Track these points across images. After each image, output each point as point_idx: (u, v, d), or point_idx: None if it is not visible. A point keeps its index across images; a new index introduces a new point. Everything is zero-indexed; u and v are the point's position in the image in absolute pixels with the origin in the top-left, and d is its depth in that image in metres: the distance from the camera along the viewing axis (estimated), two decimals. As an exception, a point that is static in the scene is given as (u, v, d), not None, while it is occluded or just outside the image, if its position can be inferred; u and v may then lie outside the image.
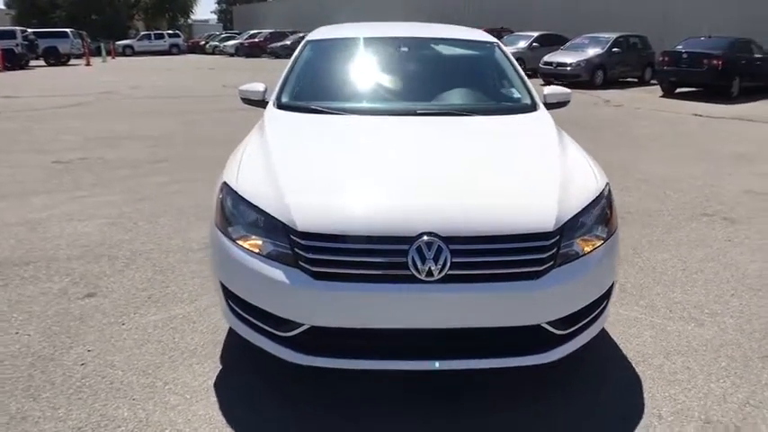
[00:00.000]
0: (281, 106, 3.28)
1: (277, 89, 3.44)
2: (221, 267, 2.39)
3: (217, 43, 40.12)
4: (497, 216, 2.18)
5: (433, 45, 3.96)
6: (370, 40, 3.84)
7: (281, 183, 2.31)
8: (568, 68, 16.10)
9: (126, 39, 42.81)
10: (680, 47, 14.31)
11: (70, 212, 4.72)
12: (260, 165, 2.54)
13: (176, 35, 42.75)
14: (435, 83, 3.63)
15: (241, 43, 35.12)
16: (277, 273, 2.14)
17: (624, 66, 17.08)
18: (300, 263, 2.11)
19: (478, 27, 5.40)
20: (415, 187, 2.33)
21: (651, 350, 2.79)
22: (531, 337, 2.23)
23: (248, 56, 33.27)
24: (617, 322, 3.02)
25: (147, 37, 41.54)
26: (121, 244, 4.05)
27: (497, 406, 2.37)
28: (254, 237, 2.26)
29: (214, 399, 2.38)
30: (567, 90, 3.59)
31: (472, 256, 2.09)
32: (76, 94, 13.77)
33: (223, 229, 2.36)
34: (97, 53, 31.64)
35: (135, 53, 39.18)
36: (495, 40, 4.02)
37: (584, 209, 2.31)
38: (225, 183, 2.47)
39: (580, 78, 15.85)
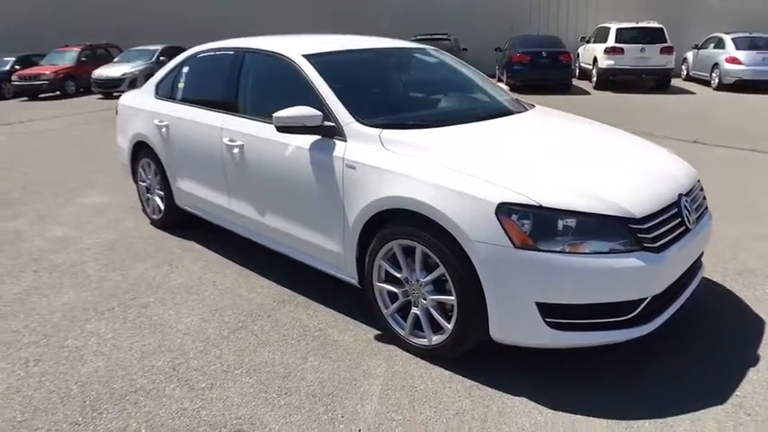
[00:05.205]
0: (373, 126, 2.88)
1: (341, 110, 2.97)
2: (545, 287, 2.29)
3: None
4: (685, 172, 2.89)
5: (414, 54, 4.00)
6: (373, 52, 3.70)
7: (581, 185, 2.42)
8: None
9: None
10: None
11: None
12: (516, 177, 2.45)
13: None
14: (456, 87, 3.84)
15: None
16: (629, 261, 2.30)
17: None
18: (644, 244, 2.35)
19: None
20: (628, 164, 2.77)
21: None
22: (702, 255, 2.96)
23: None
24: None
25: None
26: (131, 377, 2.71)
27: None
28: (575, 241, 2.29)
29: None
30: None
31: (695, 202, 2.80)
32: None
33: (534, 247, 2.27)
34: None
35: None
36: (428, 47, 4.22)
37: None
38: (505, 203, 2.32)
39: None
